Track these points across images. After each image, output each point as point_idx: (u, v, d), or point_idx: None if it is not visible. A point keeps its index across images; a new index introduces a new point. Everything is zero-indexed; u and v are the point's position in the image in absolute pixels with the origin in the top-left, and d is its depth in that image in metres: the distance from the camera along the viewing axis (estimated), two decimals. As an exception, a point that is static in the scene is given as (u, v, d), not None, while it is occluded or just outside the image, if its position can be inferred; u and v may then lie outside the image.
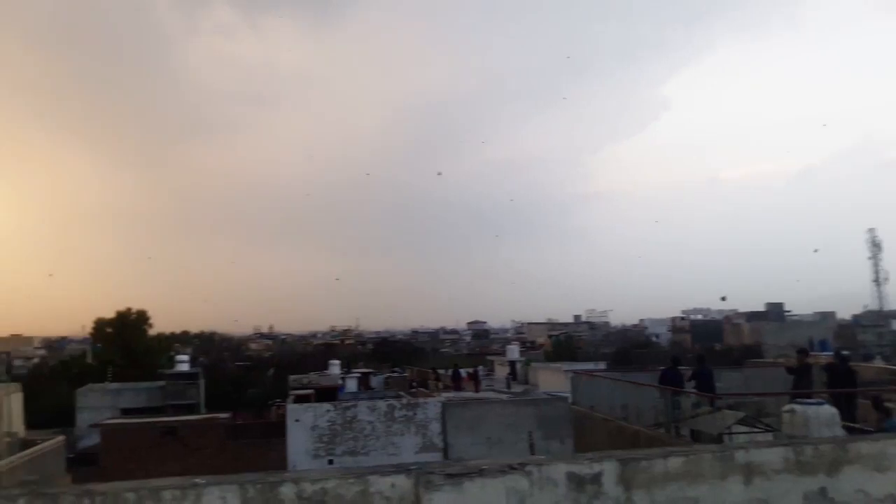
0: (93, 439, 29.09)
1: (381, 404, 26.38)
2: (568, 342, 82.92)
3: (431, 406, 26.08)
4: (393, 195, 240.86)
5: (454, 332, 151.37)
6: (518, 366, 47.53)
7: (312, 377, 36.98)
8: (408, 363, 65.84)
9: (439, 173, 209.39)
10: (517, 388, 38.54)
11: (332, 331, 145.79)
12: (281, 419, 29.24)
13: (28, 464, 9.11)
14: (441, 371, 44.73)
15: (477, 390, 36.63)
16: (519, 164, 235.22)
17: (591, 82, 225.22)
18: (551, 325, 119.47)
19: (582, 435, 18.70)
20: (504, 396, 31.10)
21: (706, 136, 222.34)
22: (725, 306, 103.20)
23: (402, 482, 2.70)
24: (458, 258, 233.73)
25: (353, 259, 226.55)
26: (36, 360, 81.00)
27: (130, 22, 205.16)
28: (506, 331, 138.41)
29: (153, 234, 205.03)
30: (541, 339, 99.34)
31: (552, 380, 38.08)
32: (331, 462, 25.39)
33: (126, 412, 35.26)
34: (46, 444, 10.31)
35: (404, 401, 27.09)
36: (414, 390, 35.05)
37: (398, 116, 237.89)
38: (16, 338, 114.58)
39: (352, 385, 39.62)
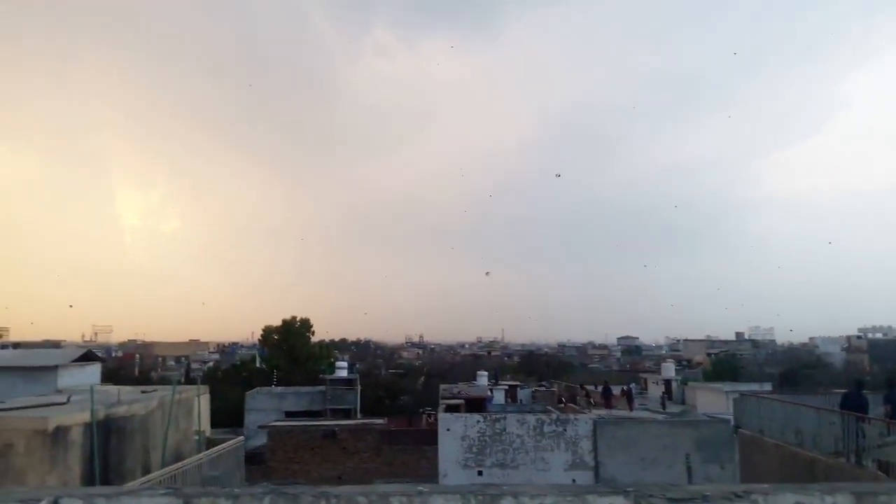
0: (260, 439, 31.17)
1: (531, 418, 26.11)
2: (729, 361, 77.94)
3: (582, 423, 25.46)
4: (543, 205, 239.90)
5: (603, 347, 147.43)
6: (674, 385, 45.34)
7: (462, 387, 37.39)
8: (554, 377, 64.90)
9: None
10: (673, 409, 36.75)
11: (479, 342, 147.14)
12: (432, 427, 29.80)
13: (213, 461, 9.86)
14: (590, 387, 43.61)
15: (630, 409, 35.34)
16: (681, 170, 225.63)
17: (760, 81, 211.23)
18: (710, 342, 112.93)
19: (749, 460, 17.40)
20: (659, 416, 29.73)
21: (887, 137, 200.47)
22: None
23: (620, 503, 2.59)
24: (610, 269, 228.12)
25: (500, 270, 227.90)
26: (210, 364, 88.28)
27: (299, 49, 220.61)
28: (659, 347, 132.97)
29: (318, 246, 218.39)
30: (698, 357, 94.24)
31: (711, 400, 35.99)
32: (480, 473, 25.49)
33: (289, 415, 37.43)
34: (229, 442, 11.11)
35: (554, 416, 26.64)
36: (562, 405, 34.43)
37: (552, 125, 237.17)
38: (194, 343, 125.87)
39: (499, 397, 39.62)
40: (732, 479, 20.24)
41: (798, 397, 19.09)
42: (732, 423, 21.85)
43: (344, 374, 45.39)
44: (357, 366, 63.52)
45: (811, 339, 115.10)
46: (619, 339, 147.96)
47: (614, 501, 2.59)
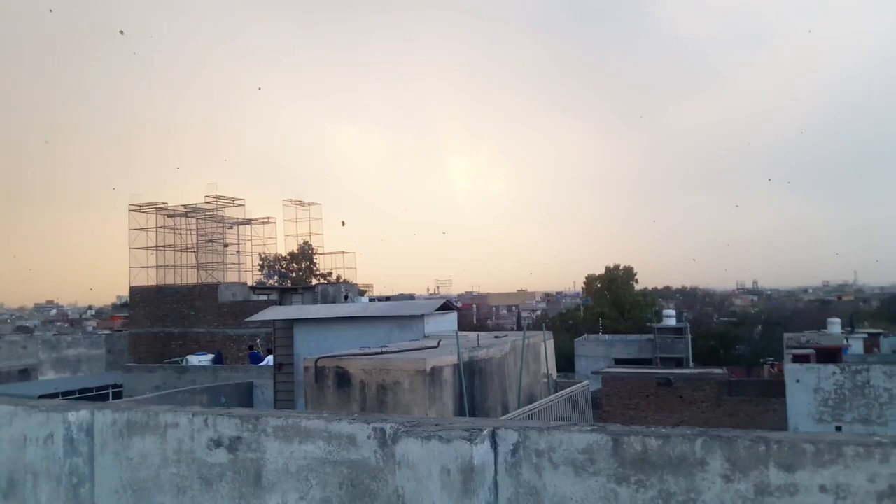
0: (594, 385, 32.06)
1: (903, 371, 22.74)
2: None
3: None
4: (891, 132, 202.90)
5: None
6: None
7: (810, 336, 33.94)
8: (930, 324, 55.26)
9: None
10: None
11: (825, 285, 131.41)
12: (777, 378, 27.65)
13: (562, 403, 10.48)
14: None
15: None
16: None
17: None
18: None
19: None
20: None
21: None
22: None
23: None
24: None
25: (851, 207, 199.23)
26: (538, 313, 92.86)
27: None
28: None
29: (638, 194, 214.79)
30: None
31: None
32: (839, 429, 23.10)
33: (618, 362, 37.82)
34: (577, 385, 11.68)
35: (934, 368, 22.83)
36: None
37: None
38: (522, 293, 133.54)
39: (857, 347, 35.11)
40: None
41: None
42: None
43: (672, 322, 44.35)
44: (685, 314, 61.47)
45: None
46: None
47: None
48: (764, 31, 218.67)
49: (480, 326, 63.92)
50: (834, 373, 23.44)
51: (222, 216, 37.39)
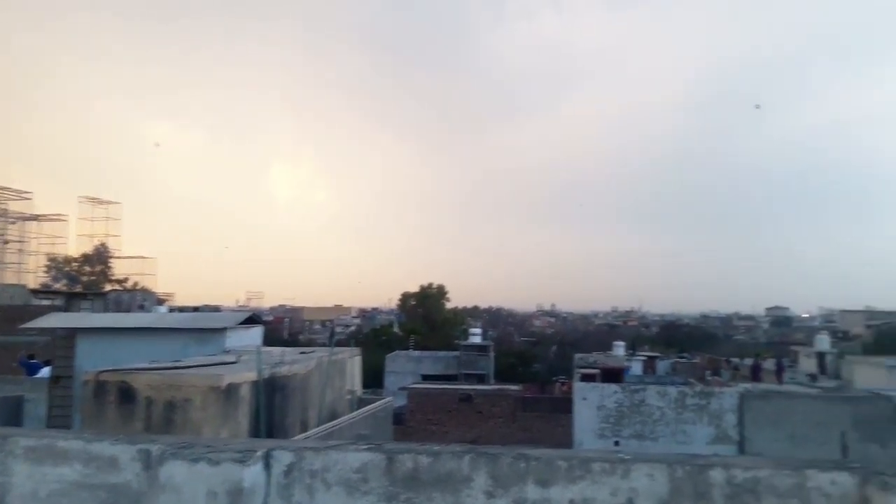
0: (400, 401, 32.50)
1: (672, 390, 25.42)
2: (893, 333, 71.56)
3: (728, 396, 24.47)
4: (687, 170, 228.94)
5: (750, 317, 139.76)
6: (828, 358, 42.32)
7: (597, 357, 36.97)
8: (697, 349, 62.48)
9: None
10: (827, 383, 34.39)
11: (614, 311, 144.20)
12: (566, 395, 29.74)
13: (364, 419, 10.48)
14: (735, 360, 41.58)
15: (780, 382, 33.51)
16: (837, 128, 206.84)
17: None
18: (871, 313, 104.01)
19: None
20: (812, 391, 27.98)
21: None
22: None
23: (845, 480, 2.48)
24: (758, 236, 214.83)
25: (639, 237, 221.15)
26: (353, 328, 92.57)
27: (441, 14, 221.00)
28: (812, 318, 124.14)
29: (456, 215, 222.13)
30: (856, 329, 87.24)
31: (871, 376, 33.31)
32: (616, 443, 25.21)
33: (426, 378, 38.65)
34: (379, 402, 11.74)
35: (697, 388, 25.80)
36: (710, 378, 33.26)
37: (696, 86, 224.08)
38: (338, 308, 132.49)
39: (637, 368, 38.78)
40: (894, 461, 18.74)
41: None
42: (897, 401, 20.22)
43: (478, 340, 46.17)
44: (489, 332, 64.37)
45: None
46: (767, 309, 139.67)
47: (837, 478, 2.44)
48: (578, 71, 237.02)
49: (292, 341, 62.39)
50: (615, 392, 25.56)
51: (5, 209, 33.35)
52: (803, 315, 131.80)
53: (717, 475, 2.44)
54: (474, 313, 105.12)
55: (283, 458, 2.64)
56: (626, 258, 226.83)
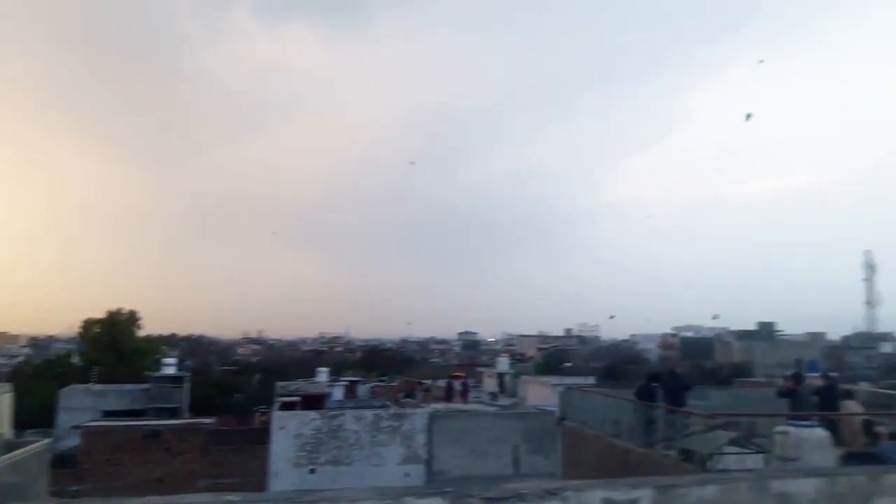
0: (73, 441, 28.71)
1: (368, 414, 26.10)
2: (558, 355, 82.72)
3: (419, 417, 25.82)
4: (391, 203, 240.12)
5: (444, 342, 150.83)
6: (507, 378, 47.27)
7: (300, 384, 36.67)
8: (397, 372, 65.44)
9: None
10: (505, 401, 38.27)
11: (322, 337, 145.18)
12: (264, 426, 28.88)
13: (12, 466, 8.81)
14: (428, 381, 44.28)
15: (465, 402, 36.36)
16: (526, 174, 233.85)
17: (607, 94, 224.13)
18: (542, 337, 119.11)
19: (572, 451, 18.45)
20: (491, 409, 30.86)
21: (718, 151, 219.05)
22: (717, 324, 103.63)
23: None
24: (452, 267, 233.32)
25: (346, 266, 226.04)
26: (20, 359, 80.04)
27: (151, 24, 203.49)
28: (496, 342, 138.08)
29: (156, 236, 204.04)
30: (531, 352, 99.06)
31: (540, 393, 37.82)
32: (312, 471, 25.02)
33: (108, 414, 34.86)
34: (31, 447, 10.01)
35: (391, 411, 26.82)
36: (406, 400, 34.81)
37: (409, 124, 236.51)
38: (1, 336, 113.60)
39: (338, 393, 39.27)
40: (555, 470, 21.35)
41: (620, 391, 20.49)
42: (558, 414, 23.09)
43: (172, 370, 43.12)
44: (187, 362, 60.36)
45: (632, 335, 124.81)
46: (459, 333, 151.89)
47: (432, 503, 2.54)
48: (296, 98, 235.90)
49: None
50: (314, 419, 25.48)
51: None
52: (489, 339, 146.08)
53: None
54: (171, 341, 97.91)
55: None
56: (335, 285, 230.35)
